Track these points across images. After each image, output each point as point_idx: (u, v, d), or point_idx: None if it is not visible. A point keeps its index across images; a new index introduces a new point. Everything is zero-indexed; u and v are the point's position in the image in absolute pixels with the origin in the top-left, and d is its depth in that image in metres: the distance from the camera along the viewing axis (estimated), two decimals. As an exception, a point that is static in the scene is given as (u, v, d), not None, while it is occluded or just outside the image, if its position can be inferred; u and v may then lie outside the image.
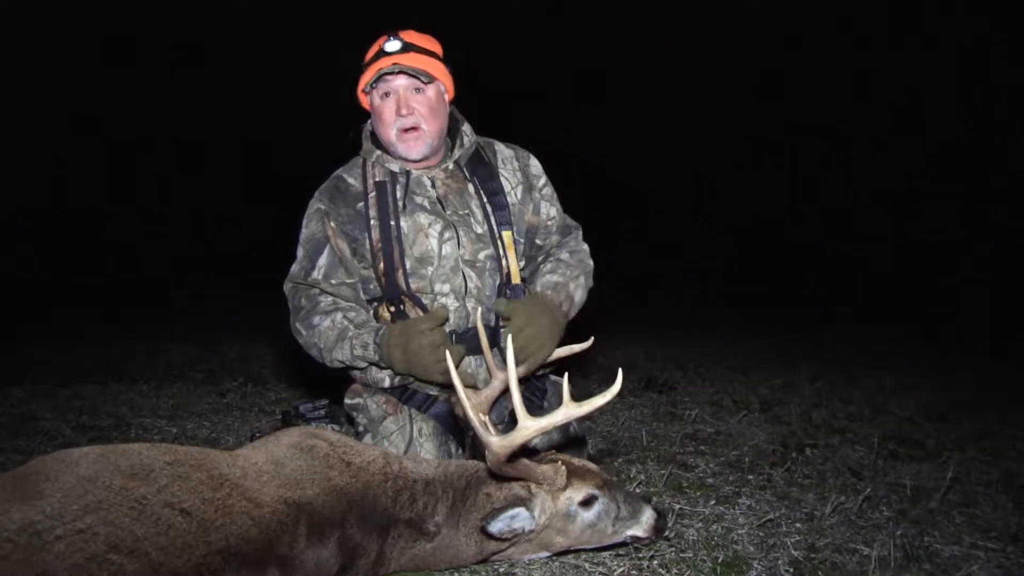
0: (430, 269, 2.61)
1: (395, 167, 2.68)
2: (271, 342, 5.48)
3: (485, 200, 2.68)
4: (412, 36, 2.64)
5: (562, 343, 2.47)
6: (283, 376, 4.70)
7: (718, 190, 13.58)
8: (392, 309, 2.60)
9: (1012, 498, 2.91)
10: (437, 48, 2.69)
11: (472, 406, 1.92)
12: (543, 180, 2.82)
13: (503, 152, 2.79)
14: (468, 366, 2.59)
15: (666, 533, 2.29)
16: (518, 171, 2.77)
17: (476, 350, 2.52)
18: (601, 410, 3.60)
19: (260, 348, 5.52)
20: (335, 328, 2.52)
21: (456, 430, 2.65)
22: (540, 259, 2.79)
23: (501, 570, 2.15)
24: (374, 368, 2.59)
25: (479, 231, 2.66)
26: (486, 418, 1.95)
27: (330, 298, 2.59)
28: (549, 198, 2.82)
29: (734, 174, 13.65)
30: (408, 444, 2.58)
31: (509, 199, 2.70)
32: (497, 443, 1.89)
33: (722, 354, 5.86)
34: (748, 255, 12.43)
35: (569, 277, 2.65)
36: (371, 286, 2.66)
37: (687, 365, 5.36)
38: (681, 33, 13.22)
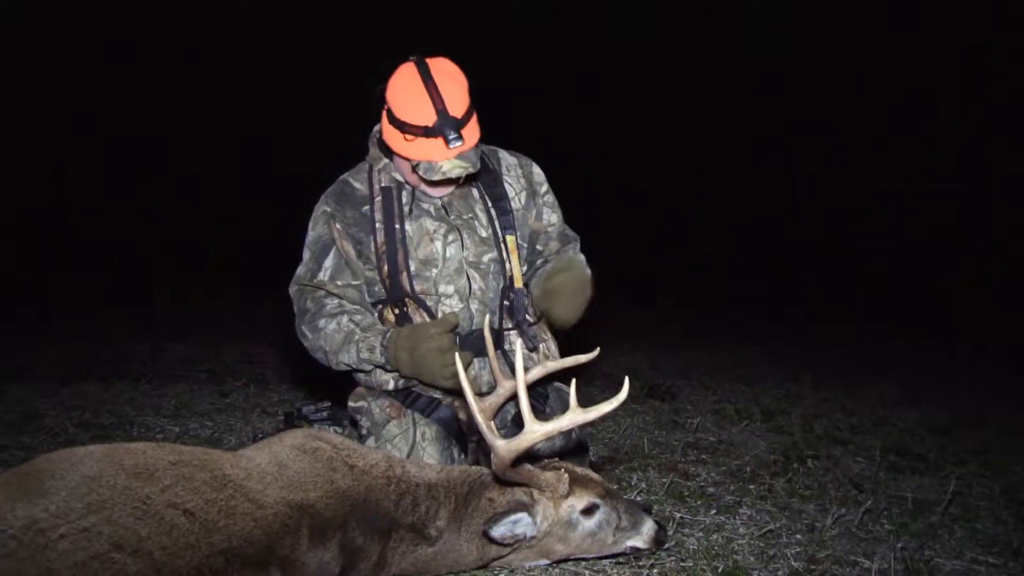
0: (434, 271, 2.61)
1: (401, 177, 2.68)
2: (273, 342, 5.49)
3: (490, 205, 2.69)
4: (455, 100, 2.38)
5: (566, 353, 2.46)
6: (285, 377, 4.70)
7: (718, 190, 13.56)
8: (396, 311, 2.61)
9: (1014, 513, 2.91)
10: (466, 87, 2.46)
11: (479, 410, 1.93)
12: (545, 187, 2.85)
13: (507, 160, 2.82)
14: (472, 369, 2.59)
15: (666, 545, 2.29)
16: (522, 178, 2.79)
17: (480, 353, 2.55)
18: (605, 416, 3.61)
19: (262, 348, 5.53)
20: (341, 331, 2.52)
21: (459, 435, 2.66)
22: (539, 263, 2.80)
23: (501, 576, 2.15)
24: (379, 371, 2.59)
25: (483, 234, 2.67)
26: (492, 423, 1.96)
27: (336, 300, 2.59)
28: (551, 205, 2.85)
29: (734, 174, 13.64)
30: (411, 448, 2.58)
31: (513, 204, 2.72)
32: (503, 446, 1.90)
33: (725, 362, 5.86)
34: (749, 256, 12.43)
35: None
36: (376, 288, 2.66)
37: (690, 373, 5.36)
38: (681, 33, 13.21)
